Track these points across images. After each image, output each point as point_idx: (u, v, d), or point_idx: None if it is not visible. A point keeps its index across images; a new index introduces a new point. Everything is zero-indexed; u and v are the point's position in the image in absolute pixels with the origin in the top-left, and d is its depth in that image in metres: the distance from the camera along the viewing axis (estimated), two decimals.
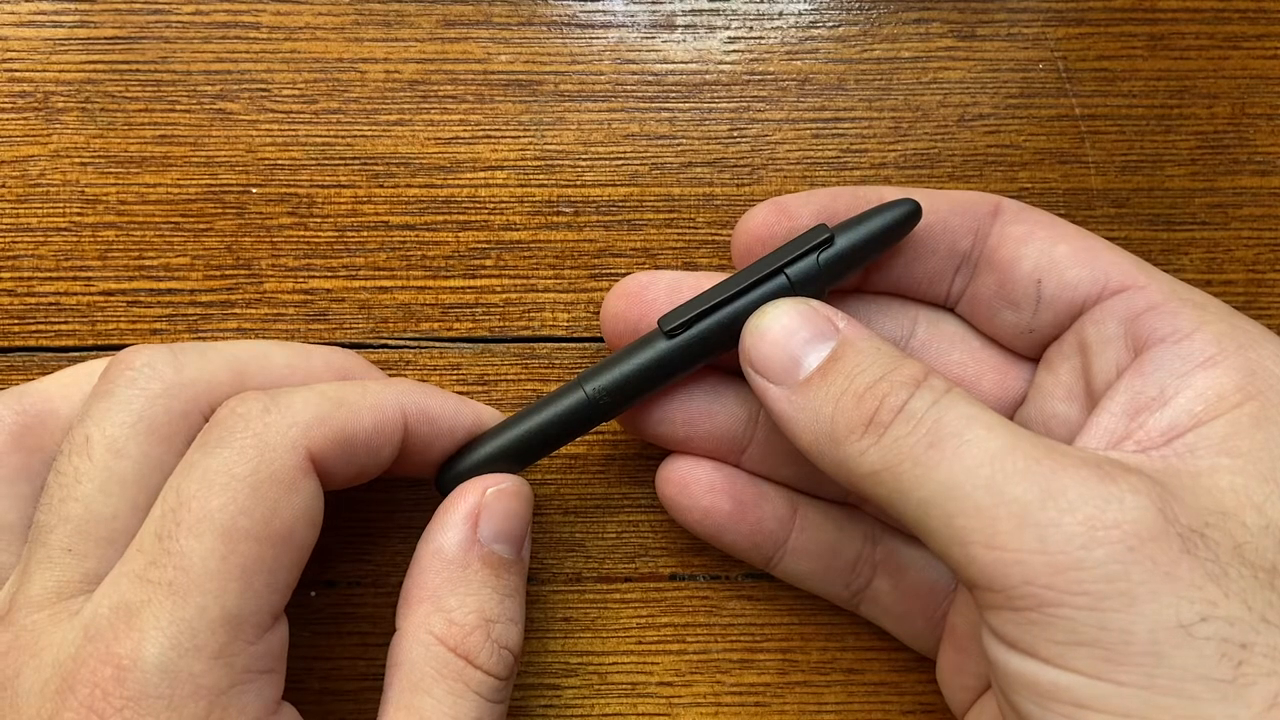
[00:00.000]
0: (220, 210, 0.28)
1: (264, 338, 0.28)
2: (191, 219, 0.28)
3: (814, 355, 0.22)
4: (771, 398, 0.22)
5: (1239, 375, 0.20)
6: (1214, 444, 0.19)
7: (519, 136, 0.29)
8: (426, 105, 0.29)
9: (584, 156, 0.29)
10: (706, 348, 0.24)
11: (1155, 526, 0.18)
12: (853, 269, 0.24)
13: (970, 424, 0.20)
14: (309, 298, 0.28)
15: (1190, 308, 0.22)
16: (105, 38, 0.28)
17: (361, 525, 0.28)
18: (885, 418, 0.20)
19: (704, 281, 0.25)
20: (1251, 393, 0.20)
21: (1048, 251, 0.24)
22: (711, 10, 0.29)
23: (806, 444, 0.22)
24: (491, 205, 0.29)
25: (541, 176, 0.29)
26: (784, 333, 0.22)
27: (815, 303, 0.23)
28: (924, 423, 0.20)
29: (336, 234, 0.28)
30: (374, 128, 0.29)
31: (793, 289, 0.24)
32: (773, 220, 0.25)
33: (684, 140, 0.29)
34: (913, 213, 0.24)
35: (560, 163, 0.29)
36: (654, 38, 0.29)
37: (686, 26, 0.29)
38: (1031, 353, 0.25)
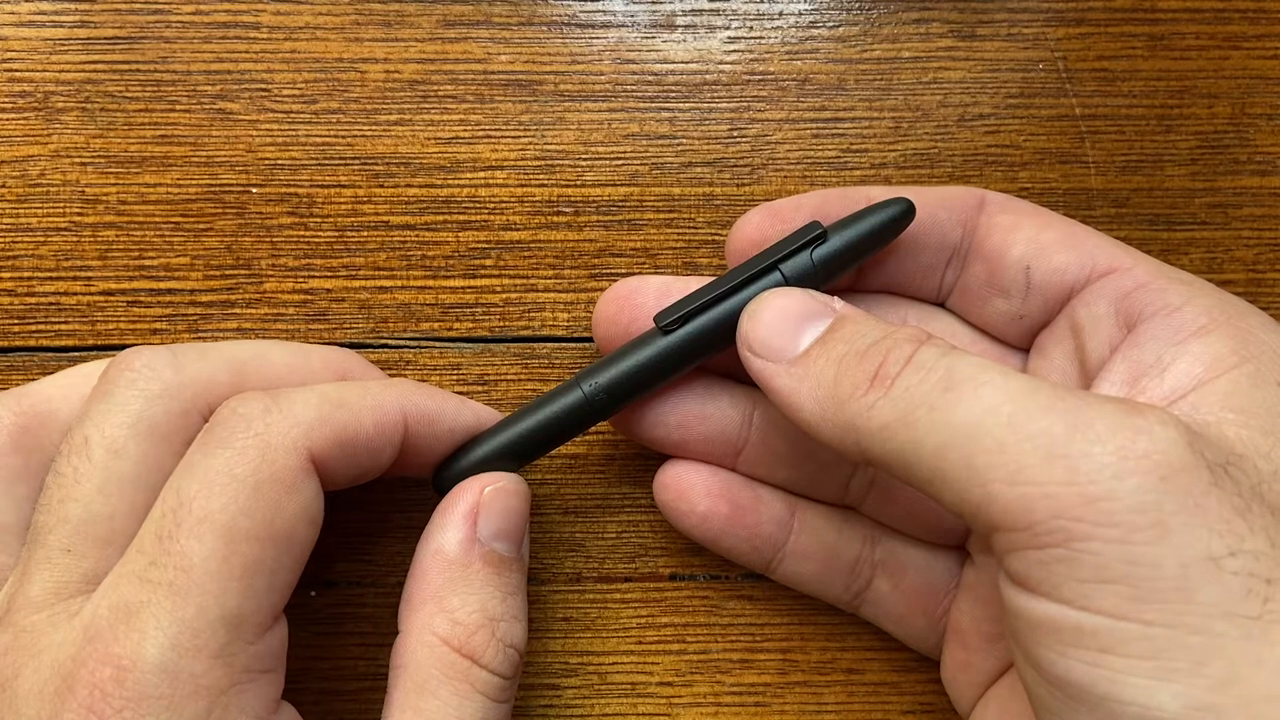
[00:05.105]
0: (220, 210, 0.28)
1: (264, 338, 0.28)
2: (191, 219, 0.28)
3: (811, 332, 0.22)
4: (770, 374, 0.22)
5: (1233, 341, 0.20)
6: (1218, 400, 0.19)
7: (519, 136, 0.29)
8: (426, 105, 0.29)
9: (584, 156, 0.29)
10: (702, 343, 0.24)
11: (1186, 457, 0.17)
12: (846, 266, 0.24)
13: (984, 370, 0.19)
14: (309, 298, 0.28)
15: (1178, 284, 0.22)
16: (105, 38, 0.28)
17: (361, 525, 0.28)
18: (892, 370, 0.20)
19: (694, 286, 0.25)
20: (1246, 356, 0.20)
21: (1035, 238, 0.24)
22: (711, 10, 0.29)
23: (809, 414, 0.21)
24: (491, 205, 0.29)
25: (541, 176, 0.29)
26: (781, 313, 0.22)
27: (811, 290, 0.23)
28: (936, 369, 0.19)
29: (336, 234, 0.28)
30: (374, 128, 0.29)
31: (787, 284, 0.24)
32: (765, 225, 0.25)
33: (684, 140, 0.29)
34: (906, 211, 0.24)
35: (560, 163, 0.29)
36: (654, 38, 0.29)
37: (686, 26, 0.29)
38: (1023, 342, 0.25)
